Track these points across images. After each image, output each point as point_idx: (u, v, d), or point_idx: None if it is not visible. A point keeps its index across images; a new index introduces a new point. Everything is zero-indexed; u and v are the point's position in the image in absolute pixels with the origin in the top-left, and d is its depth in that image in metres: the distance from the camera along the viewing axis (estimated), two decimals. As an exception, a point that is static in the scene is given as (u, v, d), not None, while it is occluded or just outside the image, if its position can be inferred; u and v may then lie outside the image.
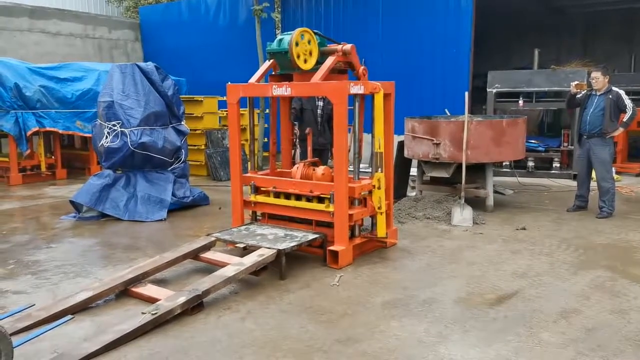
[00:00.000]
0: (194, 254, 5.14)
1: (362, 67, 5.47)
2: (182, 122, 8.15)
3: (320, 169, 5.60)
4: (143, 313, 3.85)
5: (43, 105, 10.12)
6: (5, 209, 8.05)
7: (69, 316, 3.97)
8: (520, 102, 10.01)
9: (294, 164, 6.19)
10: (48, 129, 10.18)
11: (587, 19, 14.59)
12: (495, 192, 8.03)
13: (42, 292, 4.61)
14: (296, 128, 7.30)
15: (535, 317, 3.99)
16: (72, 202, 7.33)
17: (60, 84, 10.41)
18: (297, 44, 5.19)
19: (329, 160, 7.33)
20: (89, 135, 10.13)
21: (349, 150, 5.43)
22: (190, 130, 9.01)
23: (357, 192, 5.25)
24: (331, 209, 5.16)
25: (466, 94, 7.13)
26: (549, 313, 4.05)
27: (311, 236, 5.23)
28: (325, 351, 3.52)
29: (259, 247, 4.92)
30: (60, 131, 10.41)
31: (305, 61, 5.31)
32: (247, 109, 6.04)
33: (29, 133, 9.87)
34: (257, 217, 5.96)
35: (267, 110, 11.11)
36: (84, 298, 4.22)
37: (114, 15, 16.25)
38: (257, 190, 5.77)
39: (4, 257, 5.61)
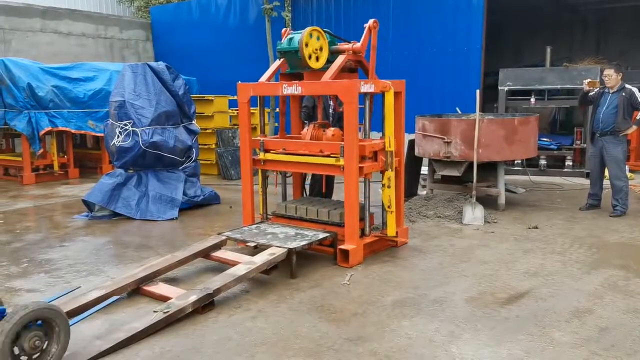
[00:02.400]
0: (205, 253, 5.15)
1: (372, 21, 5.37)
2: (193, 122, 8.18)
3: (330, 131, 5.52)
4: (155, 312, 3.87)
5: (55, 105, 10.21)
6: (18, 208, 8.13)
7: (116, 297, 4.27)
8: (532, 100, 9.93)
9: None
10: (60, 128, 10.26)
11: (599, 16, 14.43)
12: (507, 190, 7.99)
13: (55, 291, 4.65)
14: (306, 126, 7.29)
15: (547, 316, 3.96)
16: (84, 201, 7.39)
17: (72, 84, 10.49)
18: (307, 43, 5.18)
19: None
20: (101, 134, 10.18)
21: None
22: (201, 129, 9.04)
23: (368, 150, 5.20)
24: (341, 162, 5.10)
25: (477, 91, 7.09)
26: (561, 312, 4.02)
27: (322, 235, 5.22)
28: (336, 350, 3.52)
29: (269, 246, 4.93)
30: (73, 131, 10.50)
31: (315, 60, 5.30)
32: (258, 107, 6.05)
33: (41, 133, 9.96)
34: (268, 217, 5.97)
35: (277, 109, 11.15)
36: (96, 296, 4.24)
37: (125, 15, 16.32)
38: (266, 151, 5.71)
39: (17, 255, 5.67)
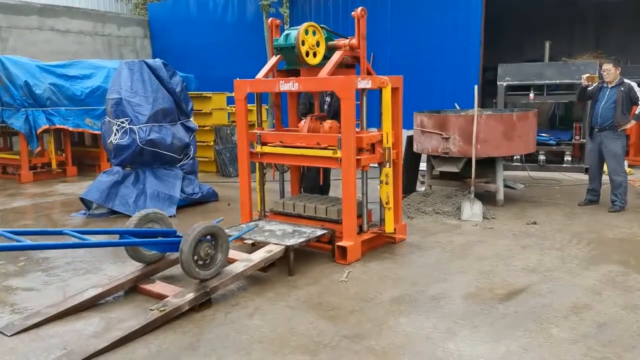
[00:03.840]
0: (203, 250, 5.13)
1: (359, 9, 5.26)
2: (191, 119, 8.16)
3: (328, 123, 5.49)
4: (151, 310, 3.86)
5: (53, 103, 10.18)
6: (16, 206, 8.12)
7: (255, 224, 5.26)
8: (531, 95, 9.91)
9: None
10: (58, 126, 10.23)
11: (599, 11, 14.40)
12: (506, 186, 7.97)
13: (52, 289, 4.64)
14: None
15: (545, 312, 3.95)
16: (82, 199, 7.38)
17: (69, 82, 10.46)
18: (303, 40, 5.16)
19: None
20: (99, 132, 10.17)
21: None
22: (199, 126, 9.01)
23: (365, 142, 5.17)
24: (339, 154, 5.07)
25: (476, 87, 7.07)
26: (559, 308, 4.01)
27: (319, 232, 5.21)
28: (333, 347, 3.51)
29: (267, 243, 4.91)
30: (70, 128, 10.47)
31: (312, 56, 5.28)
32: (255, 104, 6.03)
33: (39, 131, 9.93)
34: (266, 214, 5.96)
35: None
36: (93, 295, 4.24)
37: (123, 13, 16.29)
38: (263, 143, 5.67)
39: (14, 254, 5.63)
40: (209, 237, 4.20)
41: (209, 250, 4.21)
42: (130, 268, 4.77)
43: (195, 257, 4.10)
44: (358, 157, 5.10)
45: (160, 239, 4.53)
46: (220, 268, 4.29)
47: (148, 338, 3.65)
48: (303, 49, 5.17)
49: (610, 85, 6.93)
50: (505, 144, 7.12)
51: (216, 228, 4.28)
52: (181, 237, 4.17)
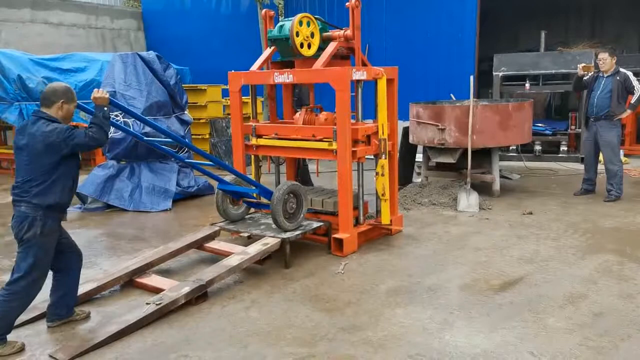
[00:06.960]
0: (198, 244, 5.13)
1: (354, 0, 5.26)
2: (185, 112, 8.12)
3: (323, 115, 5.47)
4: (147, 303, 3.85)
5: (47, 97, 10.10)
6: (10, 201, 8.05)
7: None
8: (527, 85, 9.89)
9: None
10: (52, 120, 10.14)
11: (595, 0, 14.34)
12: (502, 176, 7.97)
13: (47, 284, 4.60)
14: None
15: (541, 302, 3.96)
16: (77, 193, 7.32)
17: (63, 75, 10.35)
18: (297, 31, 5.12)
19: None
20: (94, 126, 10.10)
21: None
22: (195, 119, 8.95)
23: (360, 134, 5.15)
24: (334, 146, 5.06)
25: (471, 77, 7.05)
26: (555, 298, 4.02)
27: (315, 224, 5.19)
28: (329, 339, 3.51)
29: (263, 236, 4.90)
30: (65, 122, 10.38)
31: (307, 47, 5.24)
32: (250, 97, 5.99)
33: (33, 125, 9.85)
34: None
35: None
36: (89, 289, 4.23)
37: (116, 5, 16.12)
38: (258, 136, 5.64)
39: (9, 249, 5.63)
40: (292, 194, 5.00)
41: (293, 205, 5.01)
42: (126, 262, 4.76)
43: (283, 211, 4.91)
44: (354, 149, 5.09)
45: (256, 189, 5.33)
46: (300, 223, 5.04)
47: (144, 332, 3.65)
48: (297, 41, 5.14)
49: (606, 75, 6.91)
50: (501, 135, 7.12)
51: (298, 187, 5.12)
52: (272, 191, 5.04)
